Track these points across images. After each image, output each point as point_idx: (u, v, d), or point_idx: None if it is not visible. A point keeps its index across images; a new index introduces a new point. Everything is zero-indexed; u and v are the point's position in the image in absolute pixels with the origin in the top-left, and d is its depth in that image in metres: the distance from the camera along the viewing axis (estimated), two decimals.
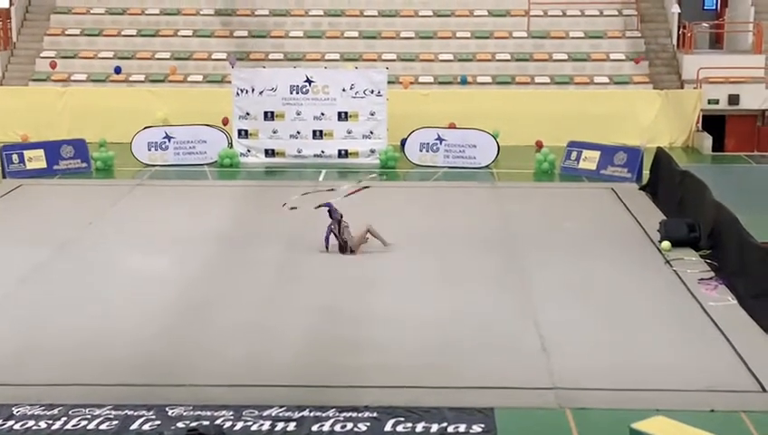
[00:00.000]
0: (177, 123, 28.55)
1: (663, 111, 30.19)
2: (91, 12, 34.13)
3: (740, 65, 31.06)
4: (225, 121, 28.37)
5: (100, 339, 14.80)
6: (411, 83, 31.07)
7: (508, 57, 32.51)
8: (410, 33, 33.38)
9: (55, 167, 26.40)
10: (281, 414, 12.30)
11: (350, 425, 12.06)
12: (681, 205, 21.42)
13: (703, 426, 11.19)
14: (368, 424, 12.08)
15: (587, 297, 16.71)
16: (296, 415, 12.27)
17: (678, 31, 32.82)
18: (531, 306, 16.17)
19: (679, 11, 32.86)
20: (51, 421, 12.16)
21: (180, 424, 12.00)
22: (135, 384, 13.28)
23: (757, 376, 13.54)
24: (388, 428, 12.00)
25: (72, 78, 31.99)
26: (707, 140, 29.63)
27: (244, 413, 12.31)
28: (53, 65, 31.68)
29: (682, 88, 31.16)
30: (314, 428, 12.00)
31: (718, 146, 30.18)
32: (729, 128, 30.89)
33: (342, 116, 27.54)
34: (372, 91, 27.45)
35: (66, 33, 33.55)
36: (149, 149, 27.38)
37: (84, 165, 26.72)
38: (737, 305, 16.25)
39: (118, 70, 30.82)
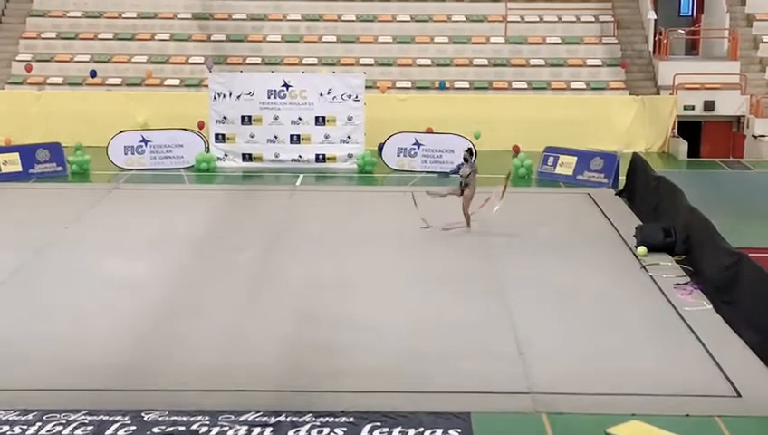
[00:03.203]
0: (153, 127, 28.46)
1: (639, 117, 30.38)
2: (68, 15, 34.04)
3: (715, 72, 31.30)
4: (201, 125, 28.30)
5: (76, 344, 14.71)
6: (389, 88, 31.11)
7: (485, 62, 32.62)
8: (388, 37, 33.43)
9: (31, 171, 26.26)
10: (257, 419, 12.27)
11: (326, 430, 12.05)
12: (657, 210, 21.52)
13: (678, 430, 11.25)
14: (344, 429, 12.07)
15: (563, 302, 16.75)
16: (272, 420, 12.24)
17: (654, 37, 33.05)
18: (507, 311, 16.20)
19: (655, 17, 33.09)
20: (25, 427, 12.07)
21: (156, 429, 11.94)
22: (110, 389, 13.21)
23: (732, 381, 13.61)
24: (364, 433, 11.98)
25: (48, 81, 31.86)
26: (683, 146, 29.82)
27: (220, 419, 12.27)
28: (29, 68, 31.52)
29: (658, 94, 31.36)
30: (291, 433, 11.97)
31: (694, 152, 30.40)
32: (705, 134, 31.13)
33: (320, 120, 27.54)
34: (350, 96, 27.47)
35: (42, 36, 33.43)
36: (126, 153, 27.28)
37: (60, 169, 26.59)
38: (712, 310, 16.33)
39: (93, 73, 30.71)
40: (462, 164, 20.97)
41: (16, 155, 26.38)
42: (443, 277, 18.06)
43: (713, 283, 17.01)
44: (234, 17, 34.09)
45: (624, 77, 32.05)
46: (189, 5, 34.27)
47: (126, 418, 12.27)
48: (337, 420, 12.28)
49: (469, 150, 21.32)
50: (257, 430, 12.03)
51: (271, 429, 12.06)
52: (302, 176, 26.75)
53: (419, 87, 31.67)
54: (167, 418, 12.28)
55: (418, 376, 13.71)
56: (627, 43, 33.28)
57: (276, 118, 27.49)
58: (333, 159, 27.57)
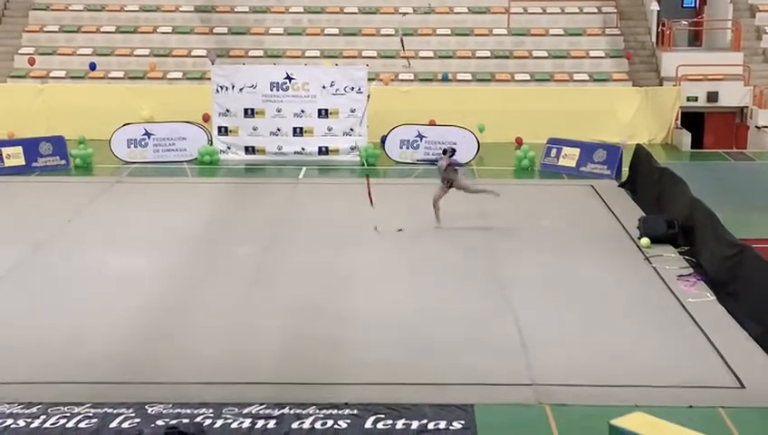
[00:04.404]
0: (156, 120, 28.47)
1: (642, 109, 30.32)
2: (70, 8, 34.00)
3: (719, 63, 31.22)
4: (206, 118, 28.27)
5: (80, 337, 14.74)
6: (392, 80, 31.06)
7: (488, 54, 32.56)
8: (390, 30, 33.36)
9: (34, 164, 26.26)
10: (261, 412, 12.29)
11: (330, 422, 12.06)
12: (660, 202, 21.51)
13: (681, 422, 11.24)
14: (348, 421, 12.09)
15: (566, 294, 16.76)
16: (276, 412, 12.27)
17: (658, 28, 32.98)
18: (510, 303, 16.21)
19: (658, 8, 33.01)
20: (29, 419, 12.10)
21: (160, 422, 11.97)
22: (114, 382, 13.25)
23: (735, 372, 13.63)
24: (368, 425, 12.00)
25: (51, 75, 31.84)
26: (686, 137, 29.77)
27: (224, 411, 12.30)
28: (32, 62, 31.50)
29: (661, 85, 31.29)
30: (294, 425, 11.99)
31: (697, 143, 30.33)
32: (708, 125, 31.06)
33: (323, 113, 27.52)
34: (353, 89, 27.42)
35: (44, 29, 33.39)
36: (129, 146, 27.28)
37: (63, 162, 26.59)
38: (716, 302, 16.34)
39: (93, 66, 30.69)
40: (440, 157, 20.91)
41: (19, 148, 26.37)
42: (446, 269, 18.06)
43: (716, 274, 17.00)
44: (236, 10, 34.02)
45: (627, 68, 31.99)
46: None
47: (130, 410, 12.30)
48: (340, 412, 12.30)
49: (453, 150, 20.98)
50: (261, 422, 12.05)
51: (275, 421, 12.08)
52: (304, 168, 26.75)
53: (422, 79, 31.62)
54: (171, 410, 12.30)
55: (422, 368, 13.73)
56: (630, 35, 33.21)
57: (279, 110, 27.46)
58: (336, 151, 27.56)
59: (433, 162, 21.55)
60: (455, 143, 26.73)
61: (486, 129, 28.20)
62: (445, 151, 20.98)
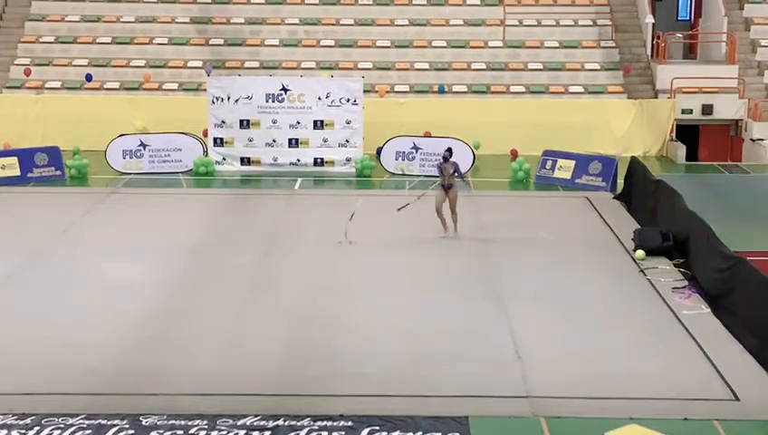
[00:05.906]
0: (152, 131, 28.49)
1: (637, 121, 30.40)
2: (66, 19, 34.04)
3: (713, 75, 31.32)
4: (206, 133, 28.21)
5: (74, 348, 14.71)
6: (387, 92, 31.11)
7: (483, 66, 32.64)
8: (386, 41, 33.46)
9: (29, 174, 26.25)
10: (255, 423, 12.28)
11: (324, 434, 12.05)
12: (655, 214, 21.54)
13: (676, 434, 11.25)
14: (343, 433, 12.08)
15: (561, 306, 16.76)
16: (271, 424, 12.26)
17: (653, 41, 33.09)
18: (505, 315, 16.21)
19: (653, 21, 33.12)
20: (23, 431, 12.07)
21: (154, 433, 11.95)
22: (109, 393, 13.22)
23: (730, 385, 13.62)
24: None
25: (47, 85, 31.87)
26: (681, 150, 29.84)
27: (218, 422, 12.28)
28: (27, 73, 31.50)
29: (656, 98, 31.38)
30: None
31: (692, 155, 30.41)
32: (703, 137, 31.15)
33: (318, 124, 27.55)
34: (348, 100, 27.47)
35: (40, 40, 33.42)
36: (124, 157, 27.28)
37: (58, 173, 26.58)
38: (710, 314, 16.34)
39: (89, 77, 30.70)
40: (442, 163, 20.65)
41: (14, 159, 26.37)
42: (441, 281, 18.07)
43: (711, 287, 17.02)
44: (232, 21, 34.09)
45: (622, 81, 32.08)
46: (187, 10, 34.28)
47: (124, 422, 12.28)
48: (335, 423, 12.29)
49: (449, 150, 20.81)
50: (255, 433, 12.04)
51: (269, 432, 12.07)
52: (300, 180, 26.77)
53: (418, 91, 31.68)
54: (165, 422, 12.28)
55: (417, 380, 13.72)
56: (625, 47, 33.31)
57: (275, 122, 27.49)
58: (331, 162, 27.59)
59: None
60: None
61: (482, 140, 28.26)
62: (446, 159, 20.52)
